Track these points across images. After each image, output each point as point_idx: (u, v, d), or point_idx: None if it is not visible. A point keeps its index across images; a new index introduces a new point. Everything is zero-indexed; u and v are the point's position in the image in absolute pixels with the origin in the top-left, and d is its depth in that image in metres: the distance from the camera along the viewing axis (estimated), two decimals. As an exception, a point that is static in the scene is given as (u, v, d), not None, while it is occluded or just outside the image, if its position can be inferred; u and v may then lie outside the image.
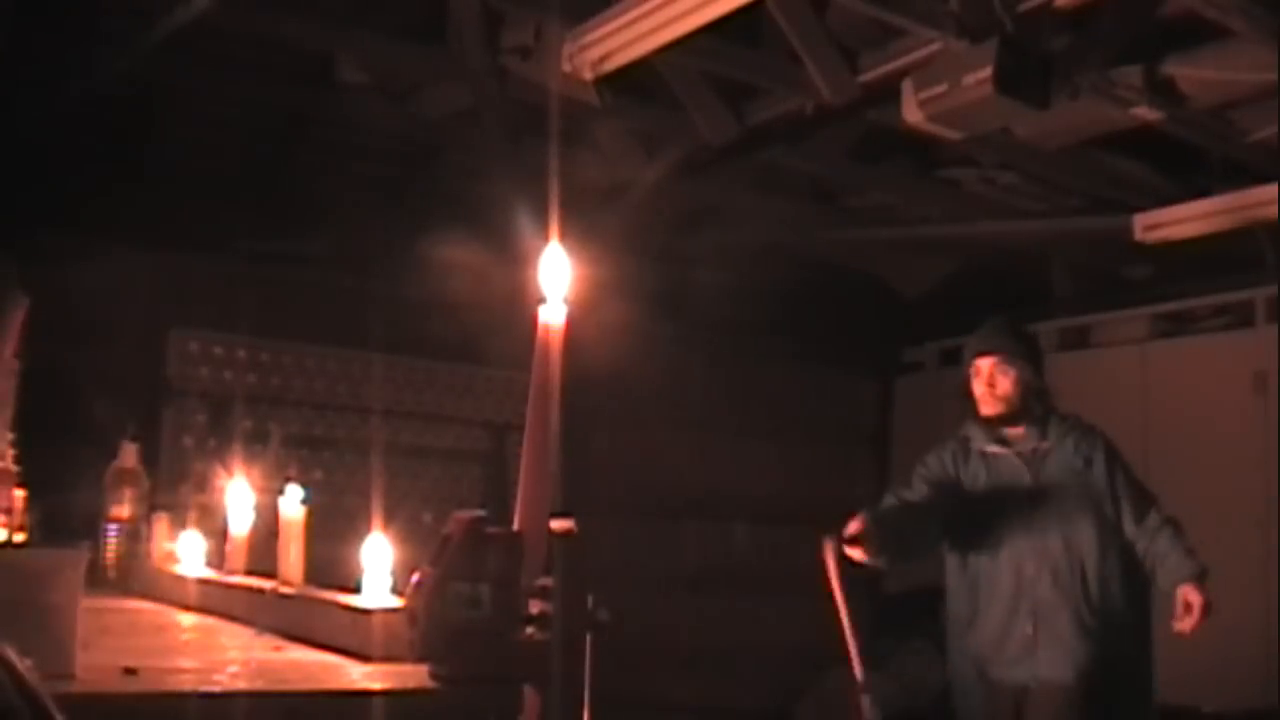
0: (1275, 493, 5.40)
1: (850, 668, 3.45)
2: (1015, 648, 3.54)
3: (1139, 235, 5.32)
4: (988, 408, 3.62)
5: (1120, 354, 6.42)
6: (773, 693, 6.24)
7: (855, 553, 3.36)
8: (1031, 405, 3.62)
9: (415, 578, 1.41)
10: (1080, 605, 3.49)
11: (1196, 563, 3.43)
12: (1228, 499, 5.68)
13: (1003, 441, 3.65)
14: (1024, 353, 3.67)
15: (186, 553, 3.27)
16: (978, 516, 3.63)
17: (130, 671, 1.83)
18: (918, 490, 3.68)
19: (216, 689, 1.82)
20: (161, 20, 4.20)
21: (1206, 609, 3.36)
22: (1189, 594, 3.38)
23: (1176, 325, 6.28)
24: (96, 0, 4.47)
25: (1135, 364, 6.31)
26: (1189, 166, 5.33)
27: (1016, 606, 3.54)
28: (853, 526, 3.37)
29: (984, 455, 3.67)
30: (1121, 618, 3.50)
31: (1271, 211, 4.84)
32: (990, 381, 3.60)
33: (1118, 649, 3.49)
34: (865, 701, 3.45)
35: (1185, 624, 3.37)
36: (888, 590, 6.92)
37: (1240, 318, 5.99)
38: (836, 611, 3.43)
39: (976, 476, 3.67)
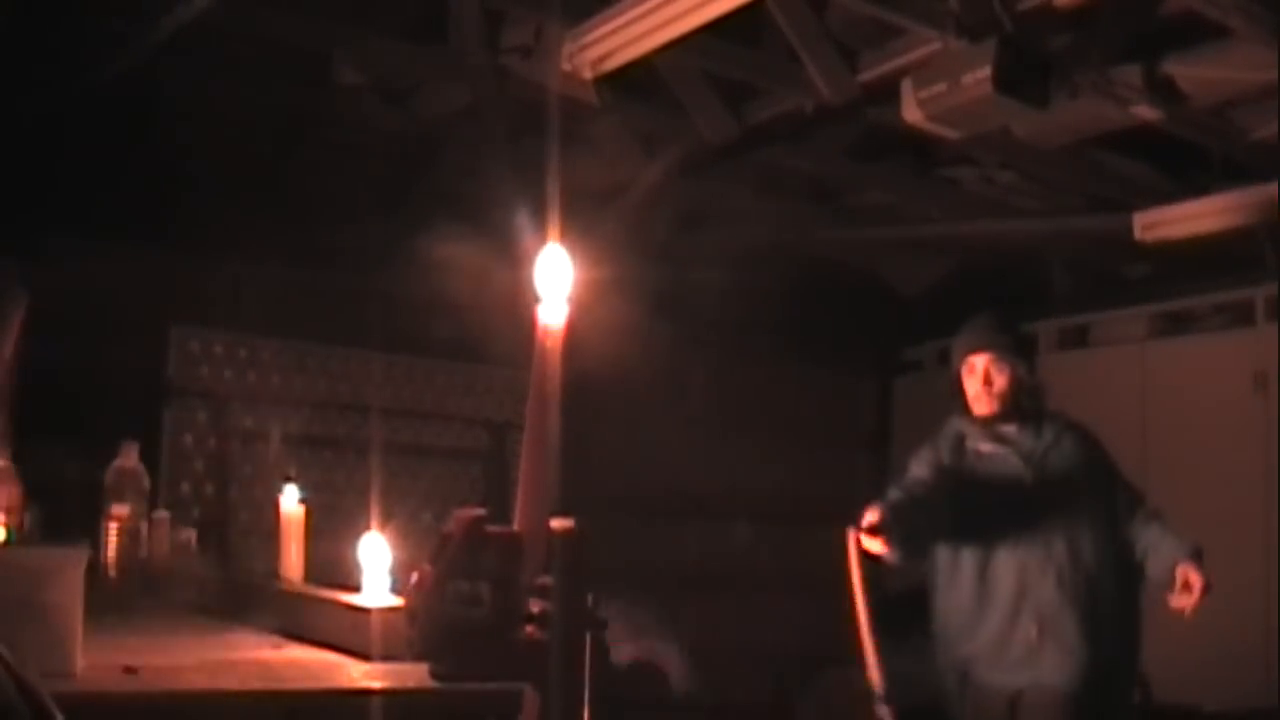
0: (1275, 493, 5.40)
1: (865, 670, 3.27)
2: (1018, 651, 3.45)
3: (1138, 234, 5.31)
4: (983, 406, 3.54)
5: (1119, 353, 6.41)
6: (773, 692, 6.25)
7: (874, 544, 3.24)
8: (1024, 402, 3.56)
9: (415, 576, 1.41)
10: (1084, 607, 3.42)
11: (1192, 543, 3.37)
12: (1227, 498, 5.68)
13: (1000, 440, 3.57)
14: (1017, 348, 3.61)
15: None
16: (975, 517, 3.53)
17: (130, 671, 1.83)
18: (918, 484, 3.56)
19: (217, 688, 1.82)
20: (161, 20, 4.20)
21: (1206, 588, 3.26)
22: (1188, 572, 3.29)
23: (1176, 324, 6.28)
24: (96, 0, 4.47)
25: (1134, 363, 6.31)
26: (1189, 166, 5.32)
27: (1019, 609, 3.45)
28: (871, 516, 3.24)
29: (980, 454, 3.58)
30: (1118, 619, 3.46)
31: (1271, 211, 4.84)
32: (987, 379, 3.53)
33: (1114, 651, 3.45)
34: (883, 712, 3.26)
35: (1184, 601, 3.28)
36: (888, 589, 6.92)
37: (1240, 317, 5.98)
38: (855, 609, 3.26)
39: (973, 475, 3.58)
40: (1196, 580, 3.27)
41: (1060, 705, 3.41)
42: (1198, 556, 3.33)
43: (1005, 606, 3.49)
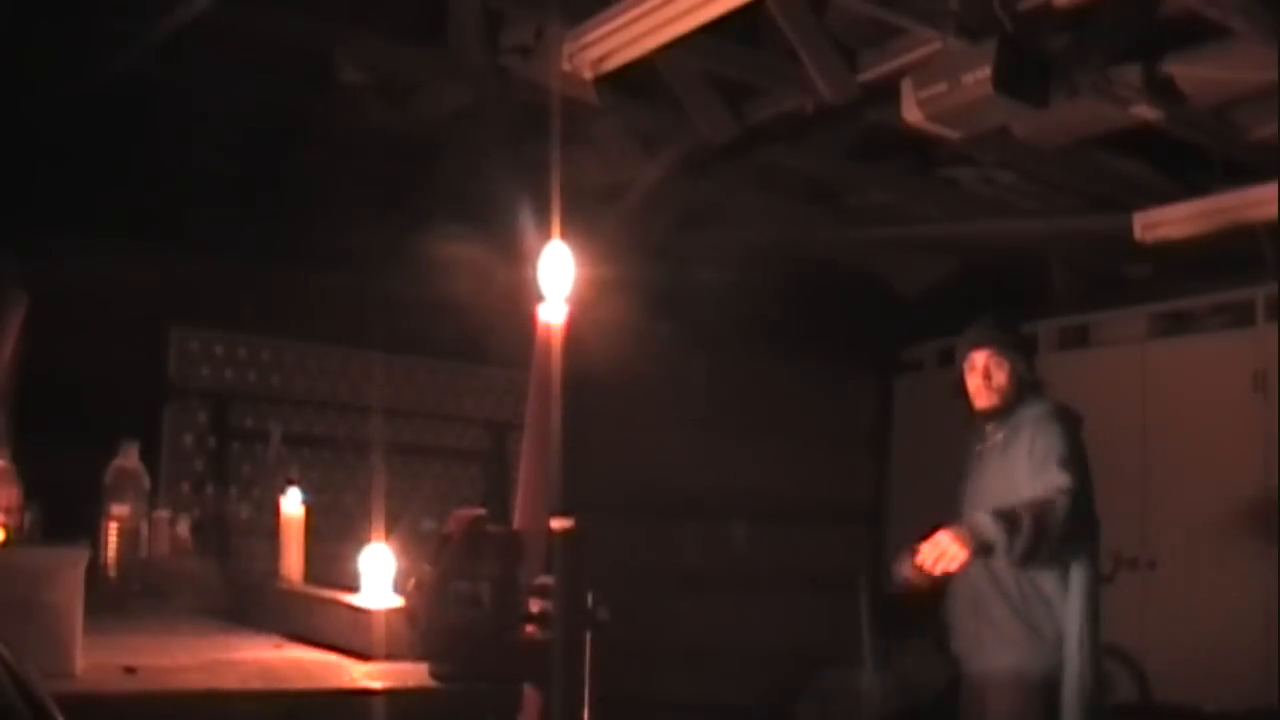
0: (1275, 492, 5.40)
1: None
2: (966, 639, 3.67)
3: (1138, 235, 5.31)
4: (983, 400, 3.70)
5: (1120, 353, 6.41)
6: (772, 692, 6.25)
7: None
8: (1025, 397, 3.69)
9: (415, 577, 1.41)
10: (1013, 594, 3.54)
11: (987, 529, 3.35)
12: (1227, 498, 5.68)
13: (981, 440, 3.76)
14: (1016, 345, 3.78)
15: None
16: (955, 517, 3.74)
17: (130, 670, 1.83)
18: None
19: (217, 688, 1.82)
20: (162, 20, 4.20)
21: (940, 555, 3.32)
22: (941, 532, 3.36)
23: (1176, 324, 6.28)
24: (96, 0, 4.47)
25: (1135, 363, 6.31)
26: (1189, 166, 5.32)
27: (962, 599, 3.66)
28: None
29: (965, 456, 3.83)
30: (1058, 605, 3.53)
31: (1271, 211, 4.83)
32: (986, 374, 3.69)
33: (1059, 637, 3.52)
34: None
35: (920, 554, 3.37)
36: (888, 590, 6.92)
37: (1240, 317, 5.99)
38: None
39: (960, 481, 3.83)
40: (940, 538, 3.34)
41: (1009, 690, 3.53)
42: (971, 535, 3.34)
43: (954, 598, 3.70)
